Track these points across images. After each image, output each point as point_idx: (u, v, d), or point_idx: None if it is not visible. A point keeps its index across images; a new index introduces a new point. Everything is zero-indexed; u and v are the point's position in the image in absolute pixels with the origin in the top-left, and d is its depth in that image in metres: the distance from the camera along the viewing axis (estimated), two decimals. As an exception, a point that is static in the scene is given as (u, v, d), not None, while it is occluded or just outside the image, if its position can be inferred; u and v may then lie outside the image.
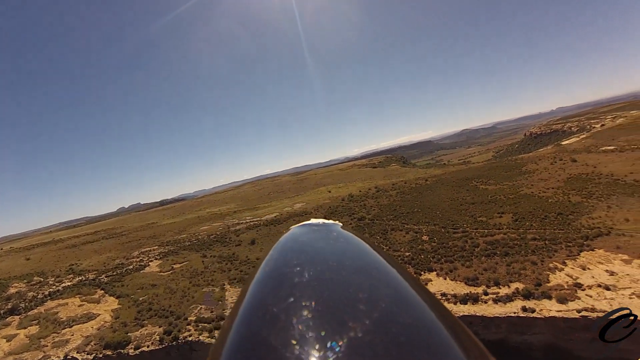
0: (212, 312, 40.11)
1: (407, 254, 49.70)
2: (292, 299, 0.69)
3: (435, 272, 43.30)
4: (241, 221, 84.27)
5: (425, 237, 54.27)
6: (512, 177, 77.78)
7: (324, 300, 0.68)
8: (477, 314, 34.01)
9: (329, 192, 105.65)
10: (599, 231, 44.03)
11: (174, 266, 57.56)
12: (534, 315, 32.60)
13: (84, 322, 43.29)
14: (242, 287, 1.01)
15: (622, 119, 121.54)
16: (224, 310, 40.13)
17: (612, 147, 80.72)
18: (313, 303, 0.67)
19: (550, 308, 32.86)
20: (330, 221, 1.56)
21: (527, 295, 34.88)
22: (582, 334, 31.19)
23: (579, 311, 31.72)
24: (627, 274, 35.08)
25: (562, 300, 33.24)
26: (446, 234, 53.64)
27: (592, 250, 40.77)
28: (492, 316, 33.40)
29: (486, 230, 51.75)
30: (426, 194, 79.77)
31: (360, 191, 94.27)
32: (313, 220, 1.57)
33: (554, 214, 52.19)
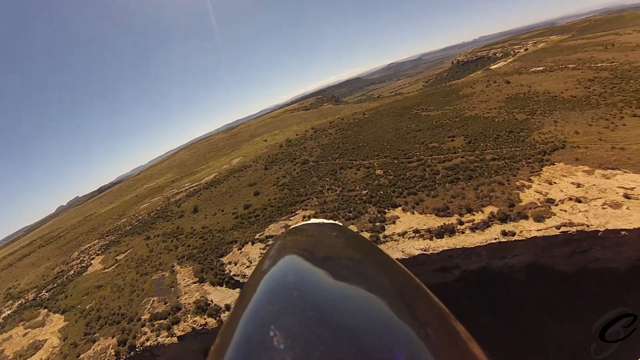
0: (165, 303, 36.49)
1: (364, 192, 46.26)
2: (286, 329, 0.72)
3: (400, 208, 40.54)
4: (180, 190, 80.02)
5: (379, 171, 51.36)
6: (452, 102, 78.10)
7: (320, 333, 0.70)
8: (458, 247, 32.04)
9: (265, 141, 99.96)
10: (554, 145, 44.77)
11: (118, 258, 53.65)
12: (515, 238, 31.56)
13: (30, 355, 37.02)
14: (240, 294, 1.04)
15: (543, 43, 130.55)
16: (178, 298, 36.34)
17: (541, 68, 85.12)
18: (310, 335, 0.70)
19: (529, 228, 32.03)
20: (330, 221, 1.56)
21: (504, 219, 33.72)
22: (561, 249, 31.13)
23: (557, 227, 31.27)
24: (593, 185, 35.60)
25: (539, 219, 32.60)
26: (400, 165, 51.34)
27: (553, 164, 41.21)
28: (473, 246, 31.67)
29: (442, 156, 50.41)
30: (367, 127, 77.10)
31: (297, 135, 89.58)
32: (313, 220, 1.59)
33: (505, 133, 52.58)
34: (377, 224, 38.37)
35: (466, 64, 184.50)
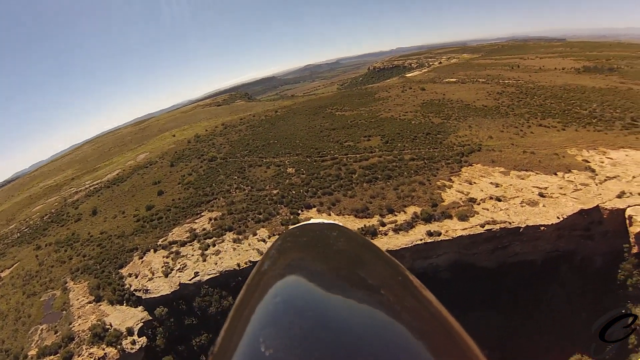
0: (56, 332, 30.58)
1: (275, 191, 42.24)
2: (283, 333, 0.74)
3: (315, 209, 37.29)
4: (80, 188, 72.82)
5: (290, 170, 47.84)
6: (367, 104, 79.82)
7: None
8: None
9: (174, 136, 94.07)
10: (471, 148, 45.94)
11: (2, 275, 45.63)
12: (441, 238, 29.96)
13: None
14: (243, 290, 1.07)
15: (455, 59, 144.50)
16: (70, 324, 30.60)
17: (454, 79, 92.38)
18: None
19: (455, 227, 30.89)
20: (330, 221, 1.62)
21: (428, 219, 32.06)
22: (484, 246, 31.43)
23: (482, 226, 30.96)
24: (510, 184, 36.38)
25: (463, 218, 31.72)
26: (314, 164, 48.55)
27: (471, 165, 41.77)
28: (397, 248, 28.99)
29: (358, 155, 48.81)
30: (279, 124, 75.05)
31: (206, 130, 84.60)
32: (313, 220, 1.64)
33: (422, 134, 53.47)
34: (290, 226, 33.34)
35: (382, 70, 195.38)
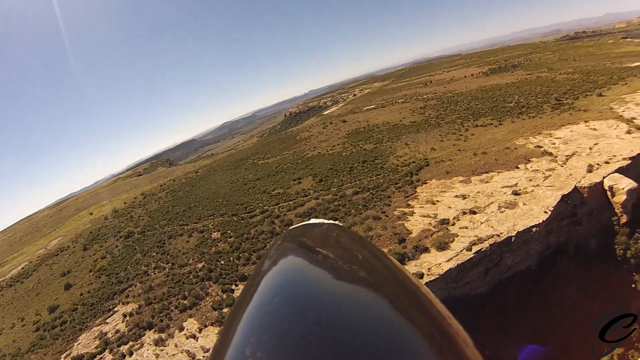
0: None
1: (200, 265, 35.23)
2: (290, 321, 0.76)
3: None
4: None
5: (215, 234, 41.57)
6: (290, 147, 76.41)
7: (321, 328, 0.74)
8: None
9: (91, 214, 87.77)
10: (417, 164, 42.29)
11: None
12: (426, 280, 23.74)
13: None
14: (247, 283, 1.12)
15: (368, 89, 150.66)
16: None
17: (373, 106, 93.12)
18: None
19: (437, 261, 25.10)
20: (330, 221, 1.69)
21: (400, 260, 25.88)
22: (475, 271, 26.03)
23: (469, 249, 25.37)
24: (478, 192, 32.54)
25: (442, 247, 26.34)
26: (242, 222, 42.67)
27: (425, 182, 37.62)
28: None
29: (291, 202, 43.16)
30: (200, 184, 69.79)
31: (125, 203, 79.13)
32: (313, 220, 1.69)
33: (358, 163, 49.45)
34: (225, 310, 26.52)
35: (299, 115, 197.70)
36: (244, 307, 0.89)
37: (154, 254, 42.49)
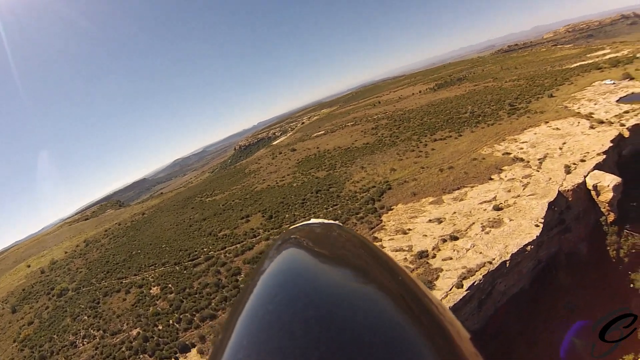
0: None
1: (135, 332, 30.45)
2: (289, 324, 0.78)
3: (195, 349, 26.20)
4: None
5: (155, 289, 37.28)
6: (239, 181, 72.60)
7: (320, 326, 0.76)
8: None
9: (29, 266, 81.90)
10: (379, 189, 38.48)
11: None
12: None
13: None
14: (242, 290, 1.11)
15: (316, 116, 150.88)
16: None
17: (322, 132, 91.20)
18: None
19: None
20: (330, 221, 1.70)
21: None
22: (467, 307, 22.90)
23: (459, 285, 21.44)
24: (454, 212, 29.08)
25: (426, 283, 21.39)
26: (184, 273, 38.53)
27: (391, 209, 33.87)
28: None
29: (239, 245, 39.18)
30: (144, 228, 64.92)
31: (66, 252, 74.76)
32: (313, 220, 1.71)
33: (312, 194, 45.34)
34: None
35: (249, 147, 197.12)
36: (244, 307, 0.90)
37: (86, 317, 38.09)
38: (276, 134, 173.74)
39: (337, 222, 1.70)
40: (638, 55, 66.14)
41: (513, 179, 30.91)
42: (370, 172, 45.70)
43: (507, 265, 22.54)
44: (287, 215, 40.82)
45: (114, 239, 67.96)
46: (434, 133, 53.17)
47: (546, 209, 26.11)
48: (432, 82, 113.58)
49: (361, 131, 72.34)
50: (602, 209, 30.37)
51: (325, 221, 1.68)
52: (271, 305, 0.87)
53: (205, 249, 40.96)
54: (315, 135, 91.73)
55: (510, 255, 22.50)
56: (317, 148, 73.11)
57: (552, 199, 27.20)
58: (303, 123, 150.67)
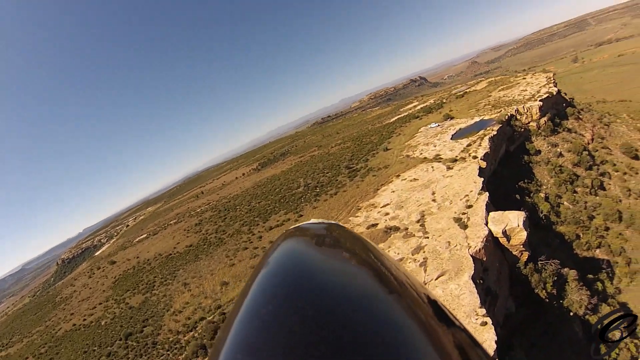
0: None
1: None
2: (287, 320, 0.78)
3: None
4: None
5: None
6: (46, 316, 57.87)
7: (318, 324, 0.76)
8: None
9: None
10: (210, 324, 24.37)
11: None
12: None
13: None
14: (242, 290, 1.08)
15: (142, 215, 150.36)
16: None
17: (145, 235, 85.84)
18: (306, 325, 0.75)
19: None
20: (330, 221, 1.68)
21: None
22: None
23: None
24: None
25: None
26: None
27: None
28: None
29: None
30: None
31: None
32: (313, 220, 1.69)
33: (120, 341, 31.18)
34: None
35: (73, 260, 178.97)
36: (244, 307, 0.89)
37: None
38: (102, 240, 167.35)
39: (337, 222, 1.64)
40: (444, 100, 71.71)
41: (403, 259, 20.94)
42: (195, 291, 32.11)
43: None
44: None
45: None
46: (268, 219, 44.77)
47: (473, 287, 16.67)
48: (255, 163, 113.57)
49: (184, 230, 61.93)
50: (514, 253, 26.94)
51: (325, 221, 1.64)
52: (271, 305, 0.85)
53: None
54: (137, 240, 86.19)
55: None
56: (137, 257, 62.54)
57: (472, 271, 18.85)
58: (128, 226, 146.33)
